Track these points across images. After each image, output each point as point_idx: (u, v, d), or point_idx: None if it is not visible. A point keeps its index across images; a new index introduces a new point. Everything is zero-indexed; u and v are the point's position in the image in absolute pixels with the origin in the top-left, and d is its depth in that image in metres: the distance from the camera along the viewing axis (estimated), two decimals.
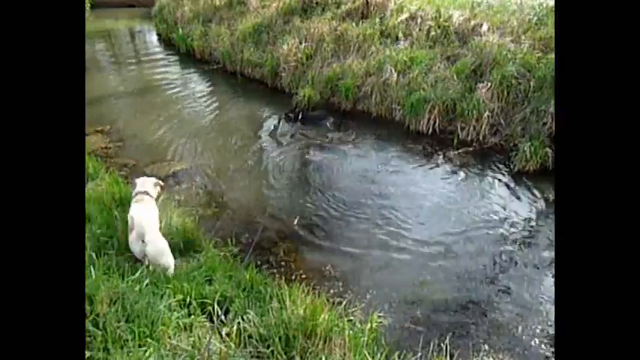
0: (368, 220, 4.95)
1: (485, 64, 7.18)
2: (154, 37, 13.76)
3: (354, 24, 8.75)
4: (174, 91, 9.55)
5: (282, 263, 4.23)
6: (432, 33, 8.31)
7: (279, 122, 7.07)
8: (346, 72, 8.04)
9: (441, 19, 8.43)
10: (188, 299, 2.41)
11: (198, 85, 9.97)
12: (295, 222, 4.66)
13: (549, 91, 6.40)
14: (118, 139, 7.18)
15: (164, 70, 11.00)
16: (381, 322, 3.34)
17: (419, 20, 8.67)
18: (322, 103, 8.10)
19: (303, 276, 3.99)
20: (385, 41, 8.31)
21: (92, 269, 2.37)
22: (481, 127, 6.70)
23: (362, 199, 5.40)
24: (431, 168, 6.24)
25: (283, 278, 3.81)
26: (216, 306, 2.45)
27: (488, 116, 6.65)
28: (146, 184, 3.81)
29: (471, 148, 6.57)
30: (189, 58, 11.36)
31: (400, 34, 8.42)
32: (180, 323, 2.23)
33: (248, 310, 2.43)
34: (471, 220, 4.97)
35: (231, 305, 2.56)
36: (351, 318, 2.98)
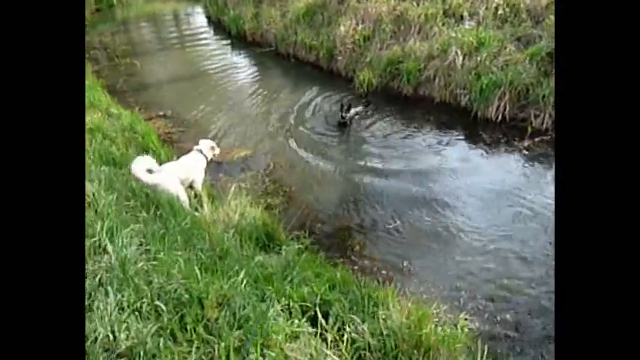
0: (436, 214, 4.74)
1: None
2: (204, 20, 13.77)
3: (414, 3, 8.31)
4: (228, 74, 9.54)
5: (357, 257, 4.13)
6: (501, 12, 7.75)
7: (340, 109, 6.79)
8: (407, 55, 7.68)
9: None
10: (291, 302, 2.33)
11: (251, 69, 9.91)
12: (391, 225, 4.51)
13: None
14: (179, 124, 7.26)
15: (216, 53, 11.01)
16: (469, 327, 3.18)
17: None
18: (381, 87, 7.82)
19: (382, 271, 3.87)
20: (449, 21, 7.86)
21: (197, 269, 2.34)
22: None
23: (428, 192, 5.17)
24: (502, 158, 5.89)
25: (363, 273, 3.72)
26: (318, 311, 2.36)
27: None
28: (202, 144, 4.58)
29: (547, 137, 6.13)
30: (241, 40, 11.29)
31: (465, 14, 7.92)
32: (288, 330, 2.16)
33: (353, 317, 2.33)
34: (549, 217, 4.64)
35: (330, 309, 2.46)
36: (452, 324, 2.83)
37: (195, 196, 4.13)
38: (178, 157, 4.68)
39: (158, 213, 3.13)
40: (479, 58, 6.99)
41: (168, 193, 3.65)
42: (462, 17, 7.89)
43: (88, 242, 2.35)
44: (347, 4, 9.22)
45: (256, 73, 9.71)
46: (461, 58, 7.13)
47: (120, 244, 2.41)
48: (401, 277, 3.75)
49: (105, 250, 2.35)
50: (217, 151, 4.77)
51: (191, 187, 4.31)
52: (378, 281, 3.54)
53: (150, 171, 3.74)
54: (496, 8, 7.80)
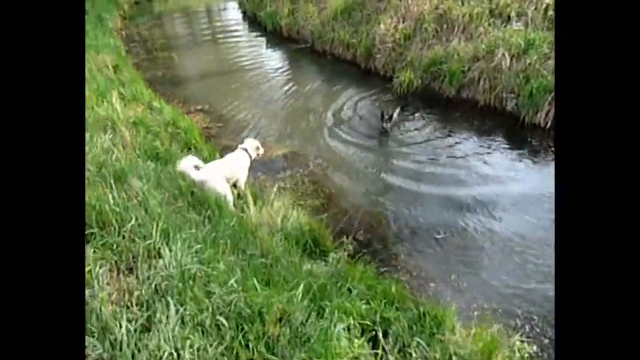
0: (481, 224, 4.52)
1: None
2: (239, 15, 13.77)
3: (459, 2, 8.01)
4: (264, 70, 9.48)
5: (402, 267, 3.98)
6: (550, 13, 7.37)
7: (382, 117, 6.47)
8: (450, 55, 7.42)
9: None
10: (351, 320, 2.21)
11: (287, 65, 9.83)
12: (439, 235, 4.34)
13: None
14: (216, 119, 7.25)
15: (251, 48, 10.98)
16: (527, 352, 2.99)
17: None
18: (422, 88, 7.58)
19: (431, 284, 3.70)
20: (495, 22, 7.54)
21: (255, 280, 2.24)
22: None
23: (473, 201, 4.94)
24: (551, 166, 5.60)
25: (410, 286, 3.57)
26: (379, 330, 2.23)
27: None
28: (248, 143, 4.62)
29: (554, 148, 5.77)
30: (276, 36, 11.22)
31: (513, 14, 7.57)
32: (349, 350, 2.03)
33: (418, 340, 2.18)
34: None
35: (390, 328, 2.33)
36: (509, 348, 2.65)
37: (239, 195, 4.05)
38: (222, 155, 4.63)
39: (207, 214, 3.05)
40: (528, 61, 6.67)
41: (215, 191, 3.60)
42: (509, 17, 7.55)
43: (142, 244, 2.29)
44: (387, 1, 8.99)
45: (292, 70, 9.62)
46: (508, 60, 6.82)
47: (175, 248, 2.34)
48: (451, 293, 3.57)
49: (160, 255, 2.28)
50: (262, 151, 4.74)
51: (235, 185, 4.25)
52: (428, 295, 3.39)
53: (197, 168, 3.70)
54: (545, 9, 7.43)
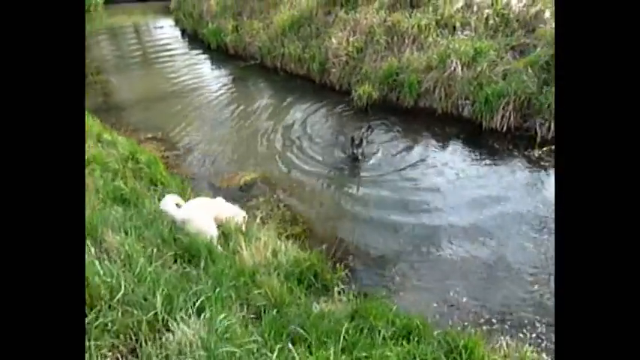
0: (458, 237, 4.56)
1: None
2: (178, 33, 13.18)
3: (406, 14, 8.22)
4: (214, 90, 9.09)
5: (400, 289, 3.86)
6: (491, 22, 7.81)
7: (352, 143, 6.12)
8: (404, 66, 7.57)
9: (499, 7, 7.91)
10: None
11: (237, 84, 9.51)
12: (427, 252, 4.22)
13: None
14: (171, 147, 6.77)
15: (197, 68, 10.51)
16: None
17: (475, 8, 8.15)
18: (381, 100, 7.64)
19: (434, 305, 3.62)
20: (442, 32, 7.81)
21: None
22: None
23: (447, 212, 5.01)
24: (513, 170, 5.84)
25: (414, 309, 3.47)
26: None
27: None
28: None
29: (553, 147, 6.14)
30: (222, 54, 10.85)
31: (457, 24, 7.91)
32: None
33: None
34: None
35: None
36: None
37: (224, 233, 3.72)
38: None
39: (202, 264, 2.73)
40: (478, 68, 6.97)
41: (199, 229, 3.27)
42: (454, 28, 7.88)
43: (143, 317, 1.95)
44: (335, 15, 9.03)
45: (243, 89, 9.32)
46: (460, 68, 7.08)
47: (185, 318, 2.01)
48: (458, 312, 3.51)
49: (168, 328, 1.95)
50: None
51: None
52: (437, 319, 3.30)
53: (178, 206, 3.35)
54: (487, 18, 7.85)
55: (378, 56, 8.02)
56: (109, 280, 2.10)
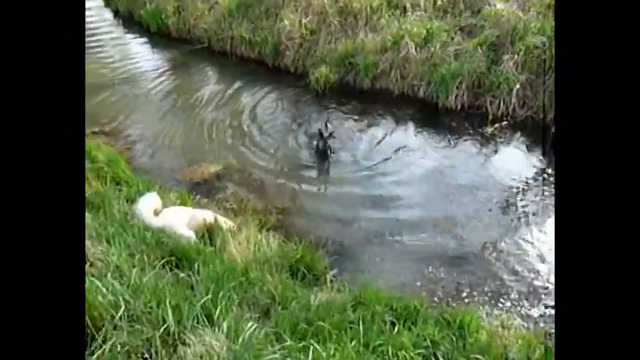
0: (422, 207, 4.79)
1: (505, 35, 7.04)
2: (109, 15, 12.10)
3: None
4: (160, 78, 8.53)
5: (380, 272, 3.94)
6: (439, 2, 7.99)
7: (320, 137, 5.88)
8: (359, 48, 7.58)
9: None
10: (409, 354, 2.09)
11: (185, 70, 9.00)
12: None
13: None
14: (122, 141, 6.32)
15: (138, 54, 9.77)
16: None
17: None
18: (337, 83, 7.61)
19: (417, 283, 3.76)
20: (394, 13, 7.88)
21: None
22: (511, 100, 6.63)
23: (409, 183, 5.27)
24: (468, 147, 6.16)
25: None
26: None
27: (517, 89, 6.58)
28: None
29: (504, 123, 6.53)
30: (164, 37, 10.15)
31: (408, 5, 8.01)
32: None
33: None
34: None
35: (438, 349, 2.28)
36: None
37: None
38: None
39: (194, 266, 2.60)
40: (432, 49, 7.15)
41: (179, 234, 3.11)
42: (405, 9, 7.98)
43: (156, 333, 1.83)
44: None
45: (192, 74, 8.85)
46: (413, 49, 7.22)
47: (190, 326, 1.91)
48: (441, 288, 3.68)
49: (183, 341, 1.84)
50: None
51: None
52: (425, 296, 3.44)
53: (156, 213, 3.13)
54: (434, 0, 8.02)
55: (332, 38, 7.95)
56: (107, 296, 1.93)
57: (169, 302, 1.97)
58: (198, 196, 4.91)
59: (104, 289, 1.97)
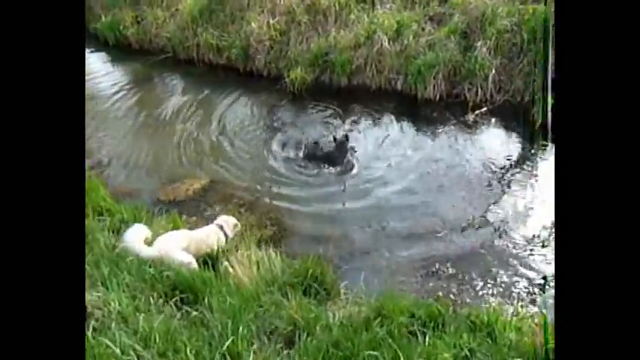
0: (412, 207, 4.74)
1: (474, 22, 7.08)
2: None
3: None
4: (127, 93, 8.09)
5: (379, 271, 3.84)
6: None
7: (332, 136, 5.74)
8: (332, 45, 7.44)
9: None
10: None
11: (149, 83, 8.59)
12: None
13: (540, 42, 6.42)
14: (94, 164, 5.90)
15: (96, 69, 9.24)
16: None
17: None
18: (313, 82, 7.45)
19: (430, 284, 3.67)
20: (363, 7, 7.78)
21: None
22: (487, 86, 6.67)
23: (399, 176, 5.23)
24: (452, 135, 6.17)
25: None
26: None
27: (493, 75, 6.62)
28: (223, 220, 3.86)
29: (484, 109, 6.56)
30: (123, 50, 9.66)
31: None
32: None
33: None
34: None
35: (475, 356, 2.18)
36: None
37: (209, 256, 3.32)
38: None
39: (205, 300, 2.39)
40: (405, 41, 7.10)
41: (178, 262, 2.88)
42: (373, 2, 7.89)
43: None
44: None
45: (157, 87, 8.47)
46: (387, 42, 7.15)
47: None
48: (440, 282, 3.61)
49: None
50: (239, 228, 3.97)
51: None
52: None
53: (147, 242, 2.89)
54: None
55: (303, 37, 7.77)
56: (115, 352, 1.71)
57: (189, 350, 1.76)
58: (184, 216, 4.66)
59: (111, 344, 1.75)
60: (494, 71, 6.61)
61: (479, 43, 6.79)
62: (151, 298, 2.31)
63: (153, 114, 7.24)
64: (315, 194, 5.19)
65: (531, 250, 4.01)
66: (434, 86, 6.81)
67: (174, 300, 2.43)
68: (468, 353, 2.14)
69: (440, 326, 2.48)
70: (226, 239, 3.67)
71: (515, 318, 2.68)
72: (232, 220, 3.87)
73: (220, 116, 7.08)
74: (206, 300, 2.40)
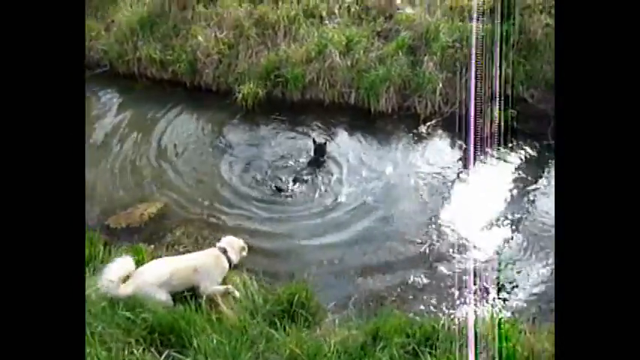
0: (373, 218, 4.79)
1: (419, 38, 7.41)
2: None
3: (272, 6, 7.97)
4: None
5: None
6: (352, 9, 8.14)
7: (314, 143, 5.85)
8: (283, 60, 7.38)
9: None
10: None
11: (86, 98, 7.91)
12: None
13: (481, 57, 6.86)
14: None
15: None
16: None
17: None
18: (266, 97, 7.32)
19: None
20: (313, 22, 7.84)
21: None
22: (436, 99, 6.97)
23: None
24: (407, 147, 6.37)
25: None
26: None
27: (440, 88, 6.94)
28: (227, 242, 3.50)
29: (434, 121, 6.84)
30: None
31: (324, 14, 8.03)
32: None
33: None
34: None
35: None
36: None
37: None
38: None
39: (193, 342, 2.16)
40: (356, 56, 7.24)
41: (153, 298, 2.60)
42: (322, 17, 7.98)
43: None
44: (192, 9, 8.21)
45: (97, 104, 7.82)
46: (338, 57, 7.24)
47: None
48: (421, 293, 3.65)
49: None
50: (245, 253, 3.55)
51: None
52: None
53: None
54: (348, 7, 8.15)
55: (253, 51, 7.63)
56: None
57: None
58: (141, 244, 4.29)
59: None
60: (441, 85, 6.93)
61: (425, 58, 7.10)
62: (127, 347, 2.05)
63: (95, 134, 6.67)
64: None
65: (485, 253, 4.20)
66: (386, 99, 6.99)
67: (154, 346, 2.18)
68: None
69: (433, 343, 2.47)
70: (230, 265, 3.30)
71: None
72: (239, 242, 3.51)
73: (167, 134, 6.73)
74: (194, 342, 2.18)
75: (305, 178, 5.42)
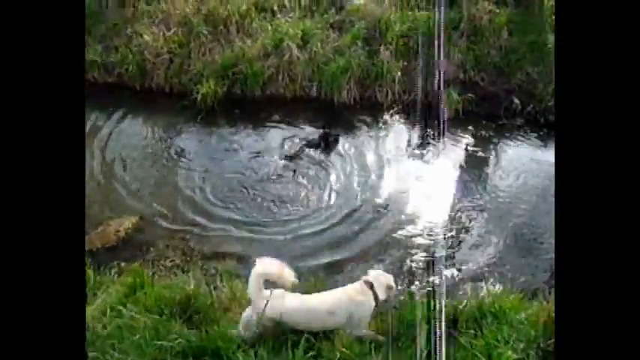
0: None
1: (373, 28, 7.53)
2: None
3: (221, 0, 7.66)
4: None
5: None
6: (303, 2, 8.06)
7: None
8: (239, 56, 7.16)
9: None
10: None
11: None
12: None
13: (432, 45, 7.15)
14: None
15: None
16: None
17: None
18: (224, 95, 7.06)
19: None
20: (266, 15, 7.66)
21: None
22: (395, 87, 7.16)
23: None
24: (371, 135, 6.54)
25: None
26: None
27: (398, 76, 7.13)
28: (375, 277, 3.03)
29: (395, 109, 7.04)
30: None
31: (275, 7, 7.87)
32: None
33: None
34: None
35: None
36: None
37: None
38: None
39: None
40: (313, 48, 7.20)
41: None
42: (273, 11, 7.82)
43: None
44: (133, 7, 7.67)
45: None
46: (295, 50, 7.16)
47: None
48: None
49: None
50: (394, 292, 3.13)
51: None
52: None
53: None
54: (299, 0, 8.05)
55: (206, 49, 7.31)
56: None
57: None
58: (123, 263, 4.00)
59: None
60: (399, 73, 7.12)
61: (381, 48, 7.24)
62: None
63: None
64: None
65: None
66: (347, 91, 7.05)
67: None
68: None
69: None
70: (376, 303, 2.94)
71: None
72: (387, 278, 3.06)
73: (123, 142, 6.36)
74: None
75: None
